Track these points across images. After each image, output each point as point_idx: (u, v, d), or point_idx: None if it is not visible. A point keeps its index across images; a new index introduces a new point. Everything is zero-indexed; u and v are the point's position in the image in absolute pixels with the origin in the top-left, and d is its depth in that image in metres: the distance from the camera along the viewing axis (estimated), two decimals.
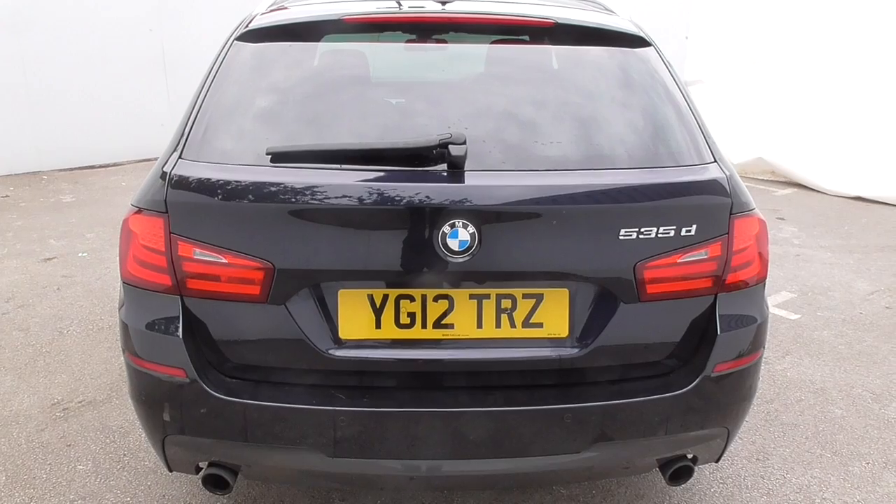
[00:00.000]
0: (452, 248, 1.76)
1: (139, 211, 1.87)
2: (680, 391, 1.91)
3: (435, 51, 2.19)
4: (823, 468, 2.71)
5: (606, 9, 2.54)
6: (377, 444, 1.87)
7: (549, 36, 2.15)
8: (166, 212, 1.82)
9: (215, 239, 1.81)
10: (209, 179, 1.83)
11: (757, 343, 2.01)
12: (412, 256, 1.80)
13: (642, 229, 1.83)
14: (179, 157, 1.90)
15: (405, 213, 1.79)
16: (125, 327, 1.94)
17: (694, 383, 1.91)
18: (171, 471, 2.07)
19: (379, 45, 2.25)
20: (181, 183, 1.83)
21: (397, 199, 1.78)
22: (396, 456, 1.89)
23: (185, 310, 1.86)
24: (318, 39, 2.14)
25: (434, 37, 2.16)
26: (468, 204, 1.77)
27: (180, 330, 1.84)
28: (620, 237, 1.83)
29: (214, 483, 1.99)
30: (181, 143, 1.93)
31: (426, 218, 1.77)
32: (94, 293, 4.37)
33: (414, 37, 2.18)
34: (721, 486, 2.60)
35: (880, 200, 6.74)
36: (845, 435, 2.94)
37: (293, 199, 1.79)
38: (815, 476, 2.67)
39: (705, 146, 2.01)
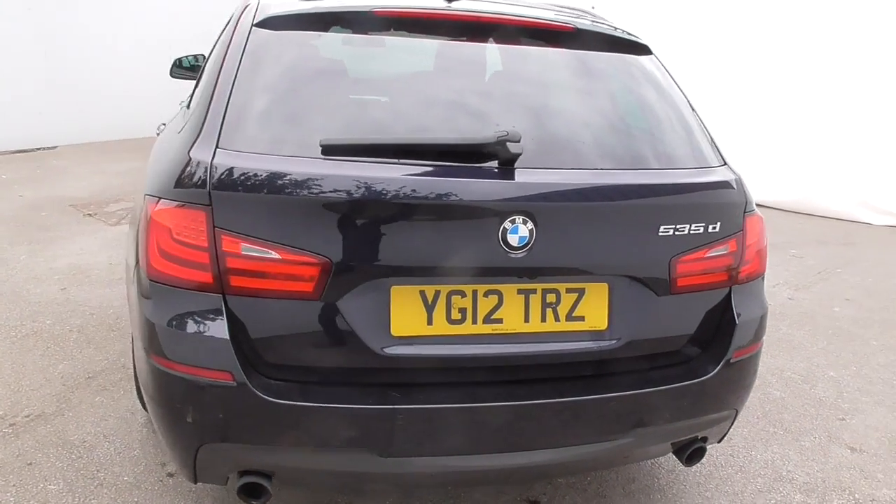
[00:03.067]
0: (512, 243, 1.79)
1: (177, 204, 1.74)
2: (706, 377, 2.04)
3: (469, 49, 2.19)
4: (780, 444, 2.98)
5: (595, 17, 2.65)
6: (431, 441, 1.85)
7: (572, 41, 2.21)
8: (210, 204, 1.71)
9: (266, 233, 1.72)
10: (258, 170, 1.74)
11: (762, 330, 2.19)
12: (469, 252, 1.80)
13: (678, 226, 1.95)
14: (217, 146, 1.78)
15: (464, 209, 1.78)
16: (151, 327, 1.79)
17: (717, 369, 2.06)
18: (195, 482, 1.93)
19: (407, 41, 2.21)
20: (226, 173, 1.73)
21: (455, 194, 1.78)
22: (451, 452, 1.88)
23: (227, 308, 1.75)
24: (345, 30, 2.09)
25: (466, 35, 2.16)
26: (527, 200, 1.80)
27: (226, 330, 1.74)
28: (660, 233, 1.93)
29: (249, 492, 1.89)
30: (210, 130, 1.82)
31: (487, 214, 1.78)
32: (5, 297, 3.94)
33: (444, 33, 2.16)
34: (699, 466, 2.78)
35: (773, 206, 7.30)
36: (789, 413, 3.25)
37: (349, 194, 1.74)
38: (775, 452, 2.92)
39: (715, 149, 2.17)
